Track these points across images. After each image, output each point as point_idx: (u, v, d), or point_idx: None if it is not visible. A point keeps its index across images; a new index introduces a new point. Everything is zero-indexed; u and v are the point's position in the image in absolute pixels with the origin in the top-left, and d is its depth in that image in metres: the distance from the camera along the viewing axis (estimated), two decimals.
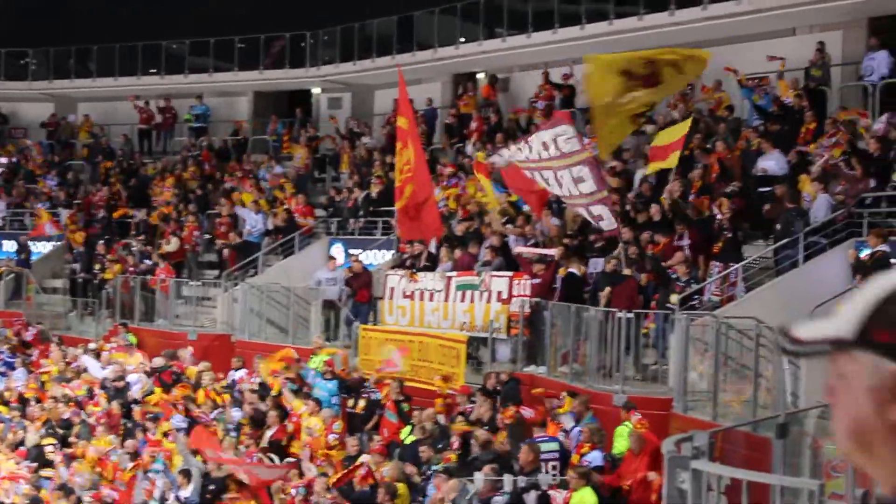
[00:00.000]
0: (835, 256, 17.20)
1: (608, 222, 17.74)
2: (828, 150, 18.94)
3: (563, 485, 13.41)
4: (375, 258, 24.56)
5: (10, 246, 31.36)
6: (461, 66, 30.78)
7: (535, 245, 20.07)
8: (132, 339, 24.76)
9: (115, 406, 21.00)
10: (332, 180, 30.07)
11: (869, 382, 1.72)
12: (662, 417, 14.89)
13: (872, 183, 18.04)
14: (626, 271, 17.86)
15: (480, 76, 30.65)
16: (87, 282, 29.00)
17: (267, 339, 23.18)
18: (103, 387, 22.29)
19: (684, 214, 18.86)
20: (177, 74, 36.23)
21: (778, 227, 18.00)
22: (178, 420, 19.55)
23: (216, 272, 26.90)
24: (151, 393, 21.26)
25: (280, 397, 19.09)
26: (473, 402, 16.84)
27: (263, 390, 19.82)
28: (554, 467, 13.97)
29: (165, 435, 19.27)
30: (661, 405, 15.34)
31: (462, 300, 19.93)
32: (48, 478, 19.78)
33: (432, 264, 21.31)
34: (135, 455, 18.79)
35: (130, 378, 22.33)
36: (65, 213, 31.41)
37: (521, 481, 13.64)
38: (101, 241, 28.97)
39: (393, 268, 22.36)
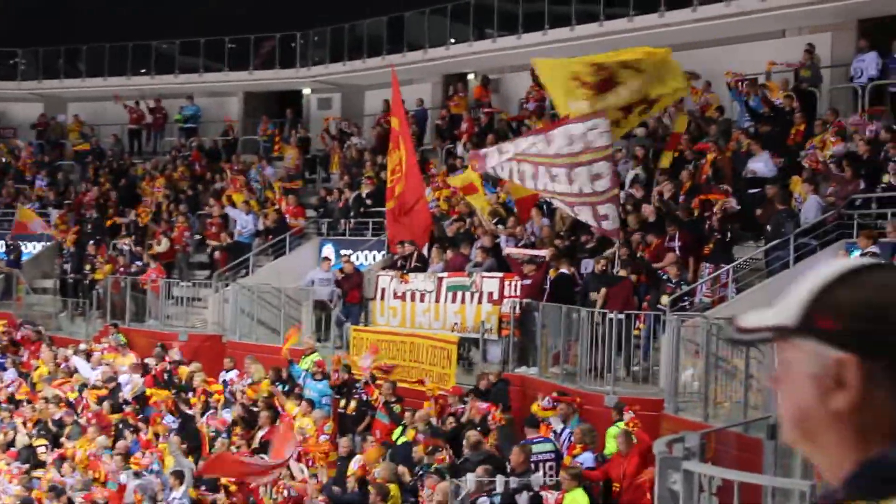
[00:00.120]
0: (825, 258, 17.24)
1: (612, 222, 17.54)
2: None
3: (556, 486, 13.44)
4: (366, 259, 24.57)
5: (0, 246, 31.28)
6: (451, 67, 30.78)
7: (526, 246, 20.07)
8: (123, 339, 24.72)
9: (106, 407, 20.99)
10: (323, 181, 30.08)
11: (811, 370, 1.71)
12: (653, 418, 14.93)
13: (862, 184, 18.13)
14: (622, 272, 17.85)
15: (471, 77, 30.67)
16: (77, 282, 28.96)
17: (258, 340, 23.15)
18: (93, 387, 22.27)
19: (674, 216, 18.90)
20: (167, 74, 36.13)
21: (768, 228, 18.08)
22: (171, 420, 19.54)
23: (207, 273, 26.89)
24: (143, 393, 21.24)
25: (272, 398, 19.09)
26: (465, 402, 16.86)
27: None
28: (550, 468, 13.99)
29: (157, 436, 19.27)
30: (652, 406, 15.37)
31: (453, 301, 19.93)
32: (40, 478, 19.76)
33: (423, 265, 21.32)
34: (126, 456, 18.78)
35: (122, 379, 22.31)
36: (55, 214, 31.35)
37: (513, 482, 13.66)
38: (92, 242, 28.94)
39: (384, 269, 22.35)
